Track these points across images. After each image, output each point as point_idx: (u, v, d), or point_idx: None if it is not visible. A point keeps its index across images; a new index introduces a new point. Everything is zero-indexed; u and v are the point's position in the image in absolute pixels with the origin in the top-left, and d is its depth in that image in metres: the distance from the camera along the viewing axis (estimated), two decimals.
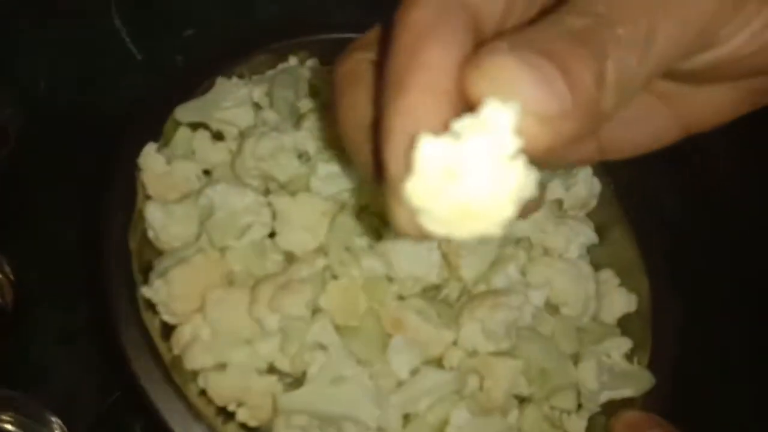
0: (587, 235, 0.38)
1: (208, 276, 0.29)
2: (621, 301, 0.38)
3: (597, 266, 0.38)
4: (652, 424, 0.33)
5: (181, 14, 0.52)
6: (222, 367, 0.29)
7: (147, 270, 0.30)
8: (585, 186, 0.37)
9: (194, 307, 0.29)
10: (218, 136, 0.35)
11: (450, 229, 0.15)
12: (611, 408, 0.35)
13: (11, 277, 0.41)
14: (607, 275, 0.38)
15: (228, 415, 0.30)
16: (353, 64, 0.22)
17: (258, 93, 0.36)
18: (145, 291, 0.29)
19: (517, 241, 0.37)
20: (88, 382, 0.44)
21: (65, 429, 0.38)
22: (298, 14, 0.53)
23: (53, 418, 0.40)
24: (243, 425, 0.30)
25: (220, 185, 0.31)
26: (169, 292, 0.28)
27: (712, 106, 0.23)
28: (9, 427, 0.38)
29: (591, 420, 0.35)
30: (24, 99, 0.50)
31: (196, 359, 0.28)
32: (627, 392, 0.34)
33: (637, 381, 0.35)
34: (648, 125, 0.23)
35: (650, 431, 0.32)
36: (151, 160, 0.31)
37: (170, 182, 0.32)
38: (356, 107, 0.21)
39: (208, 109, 0.34)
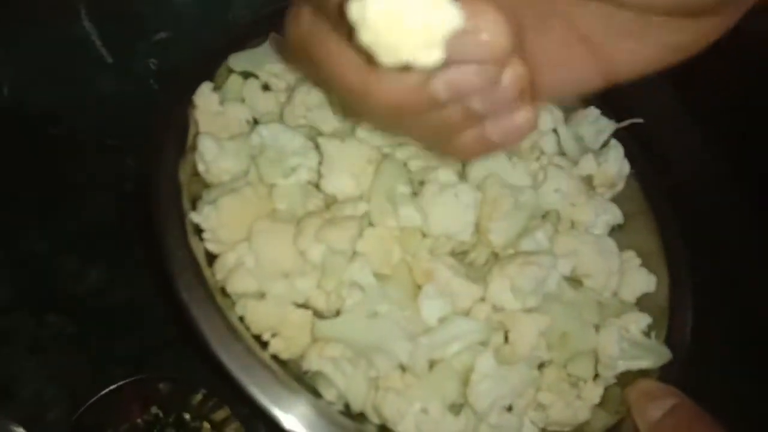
0: (614, 213, 0.39)
1: (256, 207, 0.30)
2: (641, 281, 0.39)
3: (619, 248, 0.39)
4: (668, 394, 0.34)
5: (152, 18, 0.52)
6: (261, 296, 0.30)
7: (196, 202, 0.32)
8: (615, 164, 0.39)
9: (240, 236, 0.30)
10: (265, 88, 0.37)
11: (388, 52, 0.17)
12: (627, 379, 0.36)
13: None
14: (629, 255, 0.40)
15: (262, 345, 0.31)
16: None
17: None
18: (194, 216, 0.30)
19: (546, 214, 0.38)
20: (57, 393, 0.45)
21: None
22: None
23: (20, 430, 0.40)
24: (275, 357, 0.31)
25: (272, 125, 0.32)
26: (217, 219, 0.30)
27: (630, 58, 0.25)
28: None
29: (606, 390, 0.36)
30: None
31: (238, 283, 0.29)
32: (644, 363, 0.35)
33: (655, 354, 0.36)
34: (572, 71, 0.25)
35: (665, 399, 0.33)
36: (205, 98, 0.33)
37: (222, 122, 0.33)
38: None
39: (259, 61, 0.36)
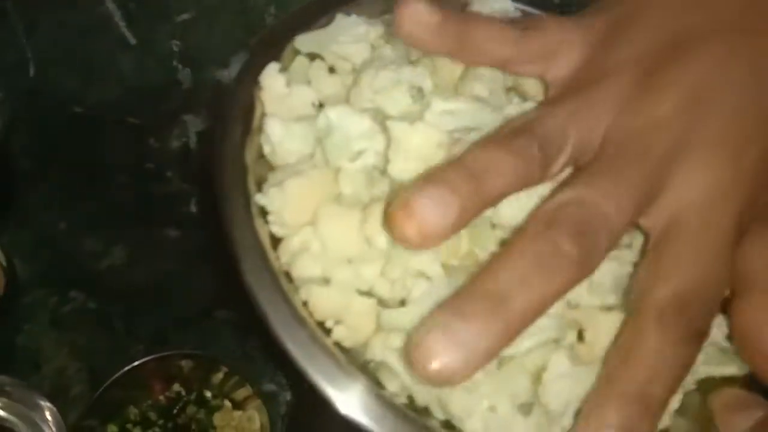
0: None
1: (323, 190, 0.30)
2: None
3: None
4: (756, 404, 0.31)
5: None
6: (326, 281, 0.29)
7: (261, 184, 0.31)
8: None
9: (306, 220, 0.29)
10: (331, 70, 0.36)
11: None
12: (708, 385, 0.33)
13: (3, 262, 0.43)
14: None
15: (325, 332, 0.30)
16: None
17: (374, 34, 0.36)
18: (260, 198, 0.29)
19: None
20: (80, 368, 0.46)
21: (57, 414, 0.39)
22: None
23: (45, 403, 0.41)
24: (337, 344, 0.30)
25: (339, 107, 0.31)
26: (283, 201, 0.29)
27: None
28: (0, 412, 0.39)
29: (686, 396, 0.33)
30: (13, 87, 0.51)
31: (304, 268, 0.29)
32: (728, 370, 0.33)
33: (739, 360, 0.33)
34: None
35: (752, 411, 0.31)
36: (272, 79, 0.32)
37: (288, 104, 0.32)
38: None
39: (326, 42, 0.35)
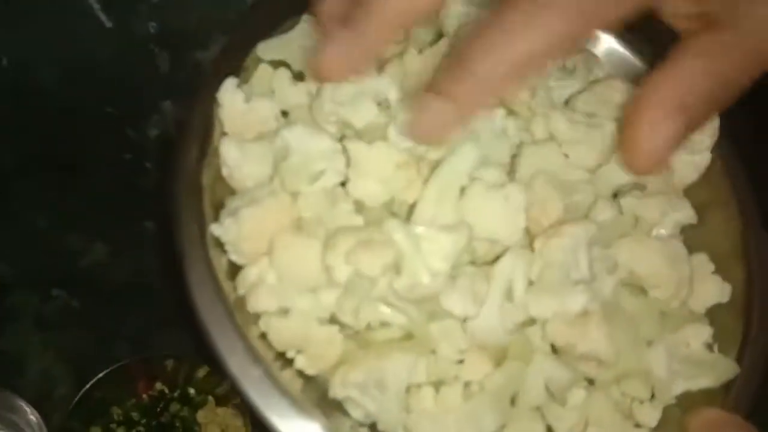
0: (686, 211, 0.34)
1: (278, 219, 0.28)
2: (714, 291, 0.35)
3: (688, 249, 0.35)
4: (733, 426, 0.30)
5: None
6: (285, 312, 0.28)
7: (219, 206, 0.30)
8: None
9: (262, 249, 0.28)
10: (299, 77, 0.34)
11: None
12: (688, 401, 0.32)
13: None
14: (701, 260, 0.35)
15: (286, 361, 0.29)
16: None
17: None
18: (215, 229, 0.28)
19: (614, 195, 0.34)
20: (63, 370, 0.45)
21: (39, 418, 0.39)
22: None
23: (27, 407, 0.41)
24: (301, 372, 0.30)
25: (296, 127, 0.30)
26: (238, 232, 0.28)
27: None
28: None
29: (665, 411, 0.32)
30: None
31: (259, 302, 0.28)
32: (705, 382, 0.32)
33: (718, 370, 0.32)
34: None
35: None
36: (230, 96, 0.30)
37: (248, 120, 0.31)
38: None
39: (291, 47, 0.33)
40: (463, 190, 0.30)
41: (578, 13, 0.23)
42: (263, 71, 0.33)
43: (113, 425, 0.44)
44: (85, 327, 0.46)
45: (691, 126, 0.25)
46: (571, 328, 0.29)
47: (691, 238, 0.35)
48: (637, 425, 0.32)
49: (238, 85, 0.31)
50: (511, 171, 0.33)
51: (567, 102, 0.36)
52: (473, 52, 0.24)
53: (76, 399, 0.41)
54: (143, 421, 0.44)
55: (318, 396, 0.29)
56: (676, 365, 0.31)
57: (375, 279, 0.27)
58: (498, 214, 0.30)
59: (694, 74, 0.25)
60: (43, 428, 0.40)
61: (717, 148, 0.36)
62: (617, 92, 0.35)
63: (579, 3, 0.23)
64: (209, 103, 0.31)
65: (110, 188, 0.50)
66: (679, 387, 0.32)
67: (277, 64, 0.33)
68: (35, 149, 0.50)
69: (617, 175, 0.34)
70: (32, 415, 0.40)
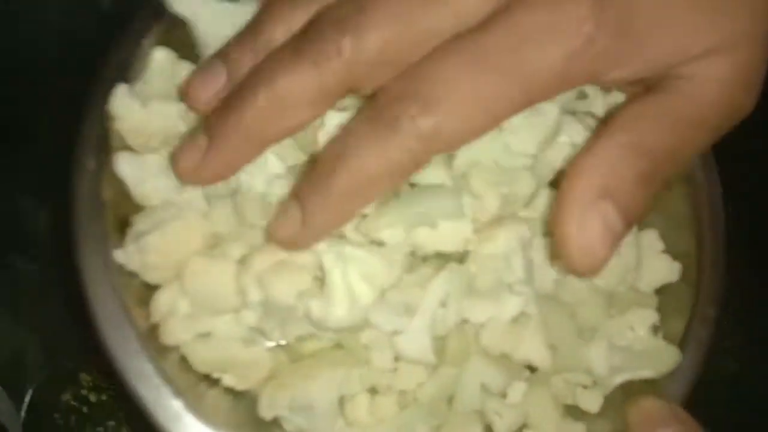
0: None
1: (188, 242, 0.26)
2: (663, 270, 0.33)
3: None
4: (670, 418, 0.30)
5: None
6: (204, 336, 0.27)
7: (125, 224, 0.28)
8: None
9: (172, 275, 0.26)
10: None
11: None
12: (631, 385, 0.32)
13: None
14: (651, 237, 0.34)
15: (213, 380, 0.28)
16: None
17: None
18: (118, 256, 0.26)
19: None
20: (32, 345, 0.43)
21: (5, 396, 0.37)
22: None
23: None
24: (230, 389, 0.29)
25: None
26: (142, 261, 0.26)
27: None
28: None
29: (606, 398, 0.32)
30: None
31: (172, 335, 0.26)
32: (646, 373, 0.31)
33: (660, 359, 0.31)
34: None
35: (667, 426, 0.29)
36: (124, 104, 0.27)
37: (149, 128, 0.28)
38: None
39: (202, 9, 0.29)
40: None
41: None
42: (159, 64, 0.29)
43: (84, 391, 0.43)
44: (46, 294, 0.44)
45: (629, 214, 0.22)
46: (505, 335, 0.28)
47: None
48: (579, 414, 0.32)
49: (132, 87, 0.28)
50: (448, 159, 0.30)
51: None
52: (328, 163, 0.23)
53: (48, 370, 0.40)
54: (113, 385, 0.43)
55: (249, 411, 0.28)
56: (617, 359, 0.30)
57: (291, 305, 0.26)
58: (446, 225, 0.28)
59: (620, 153, 0.22)
60: (10, 406, 0.40)
61: None
62: None
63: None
64: (102, 110, 0.27)
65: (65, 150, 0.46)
66: (620, 379, 0.31)
67: (181, 45, 0.29)
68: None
69: (558, 158, 0.31)
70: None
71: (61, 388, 0.45)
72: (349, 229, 0.27)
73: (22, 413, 0.43)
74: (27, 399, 0.43)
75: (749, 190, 0.43)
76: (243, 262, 0.26)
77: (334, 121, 0.27)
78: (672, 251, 0.34)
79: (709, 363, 0.32)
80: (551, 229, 0.23)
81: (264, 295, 0.25)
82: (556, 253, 0.24)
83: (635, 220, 0.23)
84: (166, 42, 0.29)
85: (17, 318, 0.44)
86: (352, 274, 0.25)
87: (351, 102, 0.29)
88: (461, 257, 0.29)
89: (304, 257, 0.26)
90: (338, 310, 0.25)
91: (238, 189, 0.27)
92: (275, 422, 0.29)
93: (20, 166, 0.46)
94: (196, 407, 0.26)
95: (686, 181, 0.34)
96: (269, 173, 0.27)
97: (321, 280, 0.26)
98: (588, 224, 0.22)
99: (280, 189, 0.27)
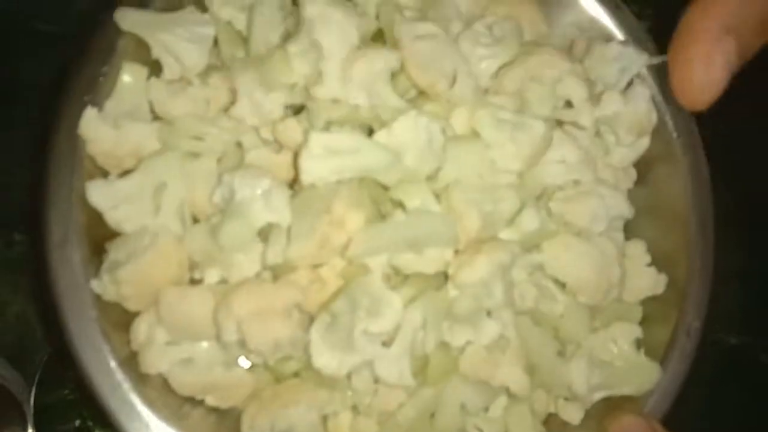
0: (620, 209, 0.32)
1: (162, 273, 0.26)
2: (648, 283, 0.33)
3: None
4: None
5: None
6: (185, 362, 0.27)
7: (101, 249, 0.27)
8: (643, 103, 0.32)
9: (150, 302, 0.26)
10: (156, 65, 0.28)
11: None
12: (612, 401, 0.32)
13: None
14: (637, 249, 0.33)
15: (197, 400, 0.29)
16: None
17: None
18: (95, 286, 0.26)
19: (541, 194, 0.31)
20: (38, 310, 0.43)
21: (9, 367, 0.37)
22: None
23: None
24: (214, 408, 0.29)
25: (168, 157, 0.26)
26: (118, 292, 0.25)
27: None
28: None
29: (587, 412, 0.32)
30: None
31: (152, 364, 0.26)
32: (626, 390, 0.31)
33: (640, 377, 0.31)
34: None
35: None
36: (94, 127, 0.26)
37: (121, 149, 0.27)
38: None
39: (156, 26, 0.27)
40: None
41: None
42: (130, 81, 0.28)
43: None
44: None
45: (744, 55, 0.23)
46: (483, 362, 0.28)
47: (637, 196, 0.33)
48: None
49: (101, 107, 0.27)
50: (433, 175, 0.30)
51: (496, 75, 0.31)
52: None
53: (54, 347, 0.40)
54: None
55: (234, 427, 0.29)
56: (597, 377, 0.30)
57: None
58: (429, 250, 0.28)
59: None
60: (18, 377, 0.40)
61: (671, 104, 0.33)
62: (549, 68, 0.31)
63: None
64: (71, 131, 0.26)
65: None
66: (600, 396, 0.31)
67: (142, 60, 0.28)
68: None
69: (546, 174, 0.30)
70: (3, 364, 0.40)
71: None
72: None
73: (33, 388, 0.42)
74: (37, 376, 0.43)
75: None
76: (222, 296, 0.26)
77: (320, 141, 0.26)
78: (659, 256, 0.33)
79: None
80: (670, 61, 0.24)
81: (241, 337, 0.25)
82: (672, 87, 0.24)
83: (743, 64, 0.24)
84: (136, 58, 0.28)
85: (26, 292, 0.44)
86: None
87: (338, 118, 0.28)
88: (442, 275, 0.29)
89: (284, 301, 0.25)
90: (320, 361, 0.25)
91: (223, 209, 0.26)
92: None
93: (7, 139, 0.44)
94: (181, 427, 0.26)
95: (676, 183, 0.34)
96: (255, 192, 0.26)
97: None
98: (713, 59, 0.23)
99: (260, 212, 0.26)
